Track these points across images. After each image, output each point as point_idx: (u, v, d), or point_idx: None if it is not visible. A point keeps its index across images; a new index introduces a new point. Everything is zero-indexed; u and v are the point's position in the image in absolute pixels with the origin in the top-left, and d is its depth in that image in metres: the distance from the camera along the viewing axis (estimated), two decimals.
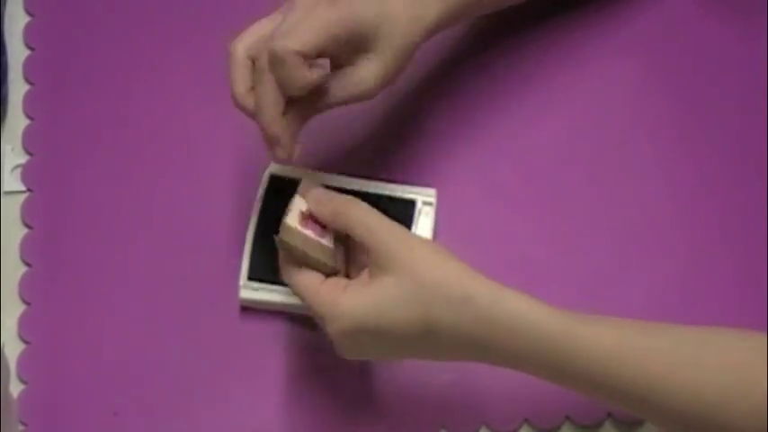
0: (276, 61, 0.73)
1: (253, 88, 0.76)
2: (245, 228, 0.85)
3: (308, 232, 0.73)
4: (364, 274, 0.73)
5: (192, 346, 0.84)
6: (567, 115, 0.90)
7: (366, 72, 0.77)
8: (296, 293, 0.75)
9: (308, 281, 0.74)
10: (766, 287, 0.83)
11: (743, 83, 0.91)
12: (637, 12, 0.93)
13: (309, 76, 0.74)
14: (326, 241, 0.74)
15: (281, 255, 0.76)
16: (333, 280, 0.74)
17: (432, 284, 0.70)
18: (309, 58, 0.74)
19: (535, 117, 0.90)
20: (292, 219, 0.73)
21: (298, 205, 0.75)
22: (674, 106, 0.90)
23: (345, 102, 0.78)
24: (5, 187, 0.90)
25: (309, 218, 0.74)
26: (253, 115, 0.77)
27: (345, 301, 0.71)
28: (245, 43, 0.77)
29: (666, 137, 0.90)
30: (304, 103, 0.77)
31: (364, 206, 0.73)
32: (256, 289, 0.83)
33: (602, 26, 0.93)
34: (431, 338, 0.70)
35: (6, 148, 0.91)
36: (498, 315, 0.69)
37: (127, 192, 0.89)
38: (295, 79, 0.74)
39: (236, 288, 0.84)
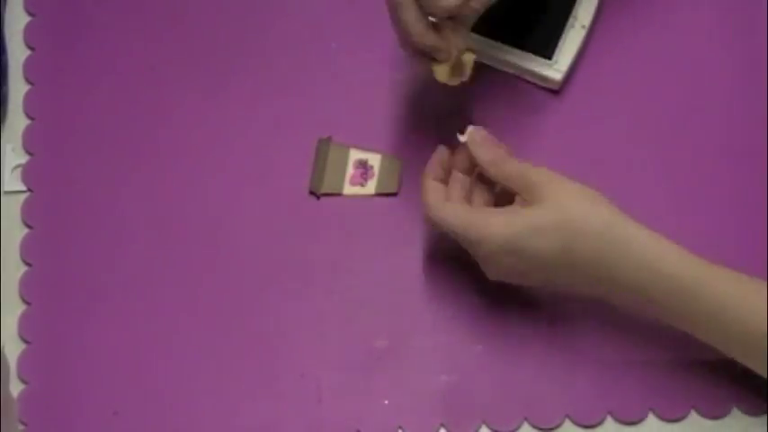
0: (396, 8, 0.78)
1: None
2: (245, 227, 0.86)
3: None
4: (514, 205, 0.78)
5: (191, 345, 0.84)
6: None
7: None
8: (447, 223, 0.79)
9: (458, 209, 0.79)
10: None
11: None
12: None
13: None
14: None
15: (429, 196, 0.80)
16: (482, 208, 0.80)
17: (575, 212, 0.76)
18: None
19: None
20: None
21: None
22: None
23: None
24: (5, 187, 0.90)
25: None
26: (431, 52, 0.80)
27: (496, 224, 0.77)
28: None
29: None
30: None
31: (516, 161, 0.79)
32: None
33: None
34: (567, 268, 0.76)
35: (6, 147, 0.91)
36: (632, 249, 0.75)
37: (127, 191, 0.89)
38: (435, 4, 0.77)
39: (235, 288, 0.84)
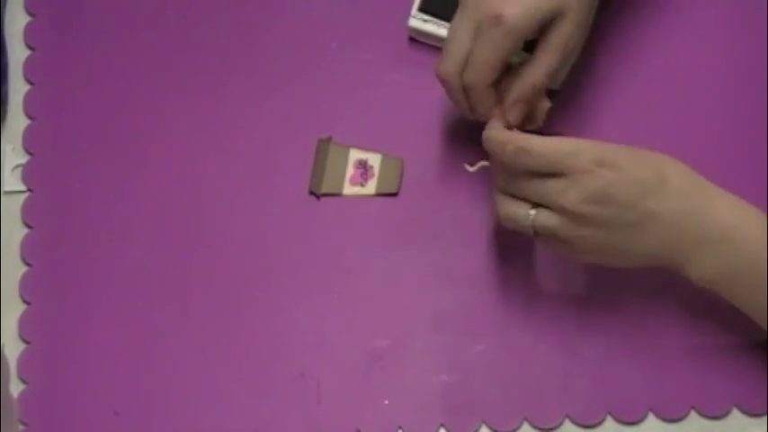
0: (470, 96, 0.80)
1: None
2: (245, 227, 0.86)
3: None
4: None
5: (191, 345, 0.84)
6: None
7: (558, 34, 0.79)
8: (534, 151, 0.75)
9: (541, 137, 0.76)
10: None
11: None
12: None
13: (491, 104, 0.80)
14: None
15: (501, 136, 0.78)
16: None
17: (667, 156, 0.75)
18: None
19: None
20: None
21: None
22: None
23: (558, 66, 0.80)
24: (5, 187, 0.90)
25: None
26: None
27: (589, 141, 0.76)
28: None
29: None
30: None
31: (539, 137, 0.76)
32: (426, 21, 0.87)
33: None
34: (659, 193, 0.74)
35: (6, 148, 0.91)
36: (721, 191, 0.75)
37: (127, 191, 0.89)
38: (483, 105, 0.80)
39: (235, 288, 0.84)
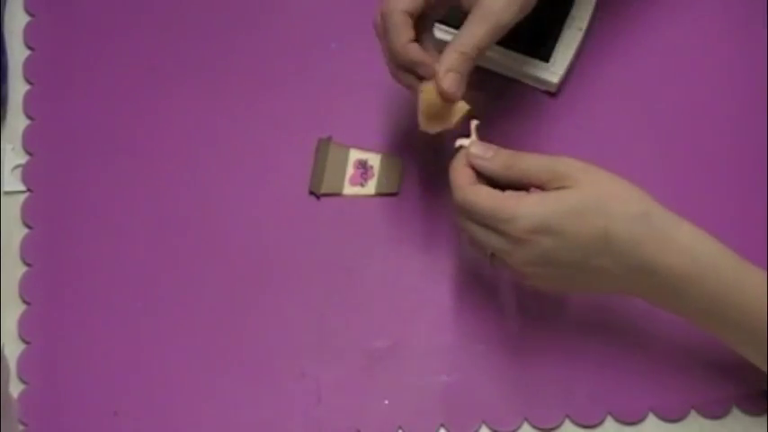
0: (385, 22, 0.78)
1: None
2: (245, 227, 0.86)
3: None
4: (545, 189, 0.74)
5: (191, 345, 0.84)
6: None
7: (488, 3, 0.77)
8: (476, 204, 0.74)
9: (489, 189, 0.75)
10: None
11: None
12: None
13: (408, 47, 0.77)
14: None
15: (458, 178, 0.76)
16: (511, 191, 0.75)
17: (613, 197, 0.73)
18: (415, 14, 0.77)
19: None
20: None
21: None
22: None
23: (488, 38, 0.77)
24: (5, 187, 0.90)
25: None
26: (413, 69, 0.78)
27: (530, 202, 0.73)
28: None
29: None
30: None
31: (531, 155, 0.75)
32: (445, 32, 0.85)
33: None
34: (605, 253, 0.72)
35: (6, 147, 0.91)
36: (673, 235, 0.72)
37: (126, 191, 0.89)
38: (399, 39, 0.77)
39: (235, 288, 0.84)
